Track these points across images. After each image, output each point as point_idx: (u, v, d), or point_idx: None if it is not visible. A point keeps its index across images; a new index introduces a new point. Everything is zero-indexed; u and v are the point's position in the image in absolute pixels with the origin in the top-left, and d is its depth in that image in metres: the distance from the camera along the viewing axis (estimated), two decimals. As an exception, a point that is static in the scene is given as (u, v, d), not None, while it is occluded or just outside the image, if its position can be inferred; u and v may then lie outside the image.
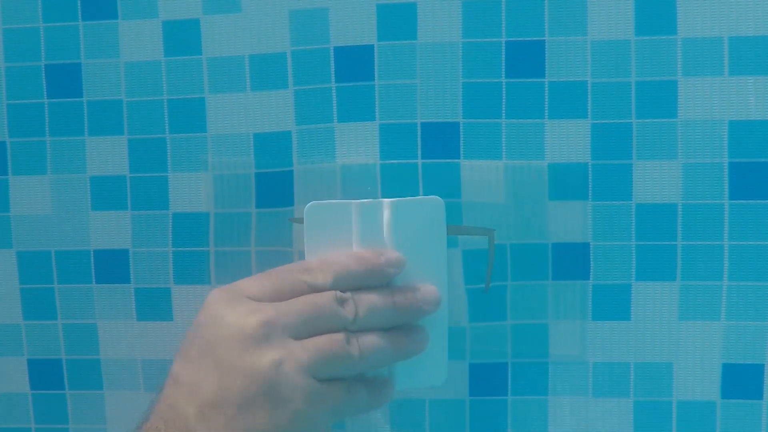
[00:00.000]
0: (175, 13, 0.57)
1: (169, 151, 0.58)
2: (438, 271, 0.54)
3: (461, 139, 0.56)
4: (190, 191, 0.58)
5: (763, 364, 0.55)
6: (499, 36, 0.55)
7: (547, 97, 0.55)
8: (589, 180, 0.55)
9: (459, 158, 0.56)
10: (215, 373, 0.48)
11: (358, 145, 0.56)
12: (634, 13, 0.54)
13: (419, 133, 0.56)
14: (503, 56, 0.55)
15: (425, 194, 0.56)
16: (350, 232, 0.53)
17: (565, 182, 0.55)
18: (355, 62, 0.56)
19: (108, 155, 0.58)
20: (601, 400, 0.57)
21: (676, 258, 0.55)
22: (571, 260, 0.56)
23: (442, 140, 0.56)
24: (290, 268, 0.52)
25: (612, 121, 0.55)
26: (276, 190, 0.58)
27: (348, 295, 0.51)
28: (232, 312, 0.49)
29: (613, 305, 0.56)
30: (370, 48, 0.56)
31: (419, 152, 0.56)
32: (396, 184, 0.56)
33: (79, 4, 0.57)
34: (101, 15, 0.57)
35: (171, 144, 0.58)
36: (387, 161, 0.56)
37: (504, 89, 0.55)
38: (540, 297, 0.56)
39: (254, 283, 0.51)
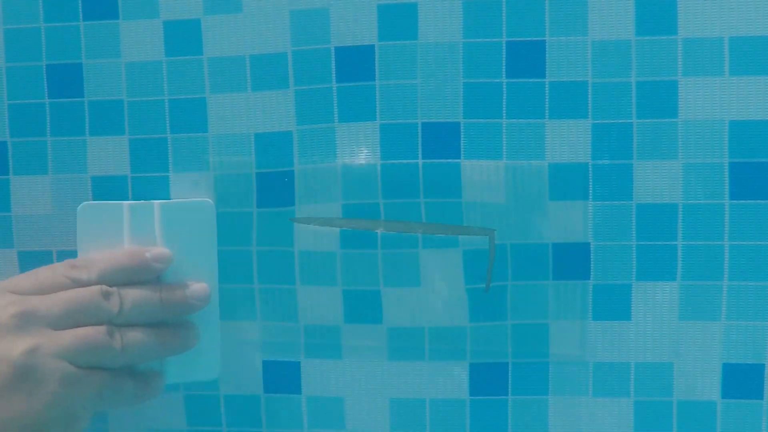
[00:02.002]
0: (176, 13, 0.57)
1: (170, 151, 0.58)
2: (209, 271, 0.56)
3: (462, 139, 0.56)
4: (191, 191, 0.58)
5: (764, 364, 0.55)
6: (499, 36, 0.55)
7: (547, 97, 0.55)
8: (590, 180, 0.55)
9: (459, 158, 0.56)
10: None
11: (358, 145, 0.56)
12: (634, 13, 0.54)
13: (420, 133, 0.56)
14: (504, 56, 0.55)
15: (426, 195, 0.56)
16: (122, 232, 0.56)
17: (566, 182, 0.55)
18: (355, 62, 0.56)
19: (109, 155, 0.59)
20: (601, 400, 0.57)
21: (677, 258, 0.55)
22: (571, 260, 0.56)
23: (442, 140, 0.56)
24: (55, 266, 0.54)
25: (612, 121, 0.55)
26: (276, 190, 0.58)
27: (114, 289, 0.53)
28: None
29: (613, 305, 0.56)
30: (370, 48, 0.56)
31: (420, 152, 0.56)
32: (396, 184, 0.56)
33: (79, 4, 0.58)
34: (102, 15, 0.58)
35: (172, 144, 0.58)
36: (387, 161, 0.56)
37: (504, 89, 0.55)
38: (540, 297, 0.56)
39: (18, 279, 0.53)
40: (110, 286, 0.53)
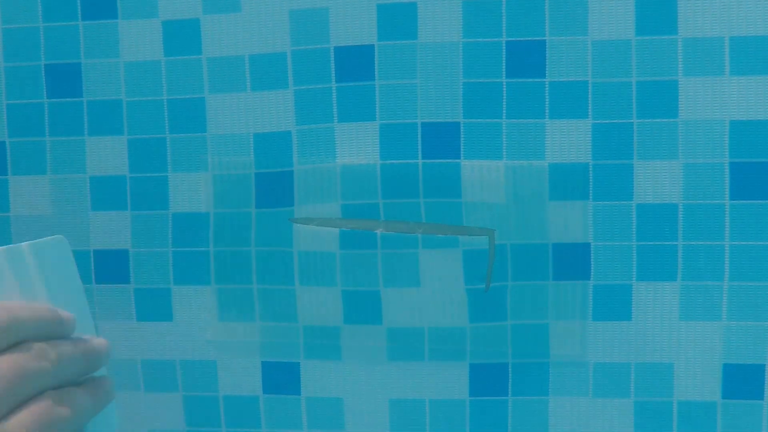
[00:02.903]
0: (175, 12, 0.57)
1: (169, 151, 0.58)
2: (85, 313, 0.51)
3: (462, 139, 0.56)
4: (190, 191, 0.58)
5: (764, 365, 0.55)
6: (499, 36, 0.55)
7: (547, 97, 0.55)
8: (590, 180, 0.55)
9: (459, 158, 0.56)
10: None
11: (358, 145, 0.56)
12: (634, 13, 0.54)
13: (420, 133, 0.56)
14: (504, 56, 0.55)
15: (426, 195, 0.56)
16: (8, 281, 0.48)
17: (566, 182, 0.55)
18: (355, 62, 0.56)
19: (108, 155, 0.58)
20: (601, 400, 0.57)
21: (677, 258, 0.55)
22: (571, 260, 0.56)
23: (442, 140, 0.56)
24: None
25: (613, 121, 0.55)
26: (276, 190, 0.58)
27: (44, 345, 0.45)
28: None
29: (613, 305, 0.56)
30: (370, 48, 0.56)
31: (419, 152, 0.56)
32: (396, 184, 0.56)
33: (79, 4, 0.57)
34: (101, 15, 0.57)
35: (171, 144, 0.58)
36: (387, 161, 0.56)
37: (504, 89, 0.55)
38: (540, 297, 0.56)
39: None
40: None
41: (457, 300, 0.57)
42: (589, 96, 0.55)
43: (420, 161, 0.56)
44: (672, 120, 0.54)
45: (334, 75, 0.56)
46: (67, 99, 0.58)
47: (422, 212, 0.56)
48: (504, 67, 0.55)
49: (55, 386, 0.46)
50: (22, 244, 0.48)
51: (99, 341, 0.50)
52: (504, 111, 0.55)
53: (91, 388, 0.49)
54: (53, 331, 0.47)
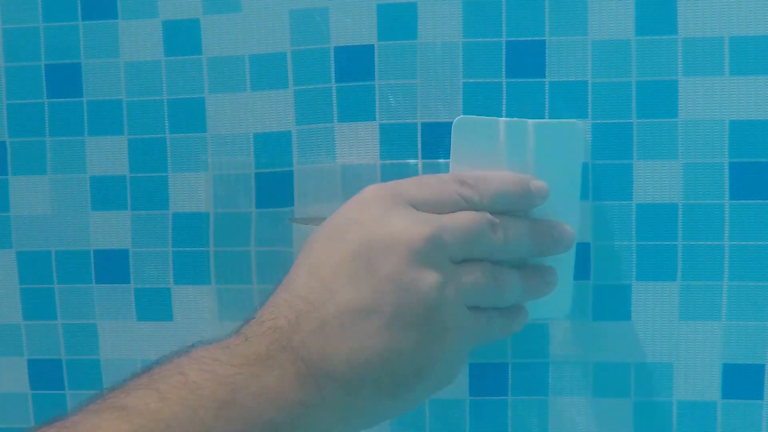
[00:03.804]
0: (175, 13, 0.57)
1: (169, 151, 0.58)
2: (572, 202, 0.54)
3: (461, 139, 0.56)
4: (190, 191, 0.58)
5: (764, 364, 0.55)
6: (499, 36, 0.55)
7: (547, 97, 0.55)
8: (590, 180, 0.55)
9: (459, 158, 0.56)
10: (369, 279, 0.45)
11: (358, 145, 0.56)
12: (634, 13, 0.54)
13: (419, 133, 0.56)
14: (503, 56, 0.55)
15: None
16: (497, 151, 0.52)
17: (566, 182, 0.55)
18: (355, 62, 0.56)
19: (108, 155, 0.58)
20: (601, 400, 0.57)
21: (677, 258, 0.55)
22: (571, 260, 0.56)
23: (442, 140, 0.56)
24: (443, 177, 0.51)
25: (612, 121, 0.55)
26: (276, 190, 0.58)
27: (497, 220, 0.49)
28: (397, 218, 0.47)
29: (613, 305, 0.56)
30: (370, 48, 0.56)
31: (419, 152, 0.56)
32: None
33: (79, 4, 0.57)
34: (101, 15, 0.57)
35: (171, 144, 0.58)
36: (387, 161, 0.56)
37: (504, 89, 0.55)
38: (540, 297, 0.56)
39: (414, 188, 0.49)
40: (493, 213, 0.49)
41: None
42: (589, 96, 0.55)
43: (420, 161, 0.56)
44: (672, 120, 0.54)
45: (334, 75, 0.56)
46: (67, 99, 0.58)
47: (422, 212, 0.56)
48: (504, 67, 0.55)
49: (499, 260, 0.50)
50: (542, 120, 0.53)
51: (562, 230, 0.52)
52: (504, 111, 0.55)
53: (529, 277, 0.52)
54: (514, 206, 0.51)
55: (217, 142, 0.58)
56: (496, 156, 0.52)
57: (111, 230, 0.59)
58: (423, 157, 0.56)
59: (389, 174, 0.56)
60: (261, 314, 0.46)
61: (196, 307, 0.59)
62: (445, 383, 0.49)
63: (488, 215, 0.49)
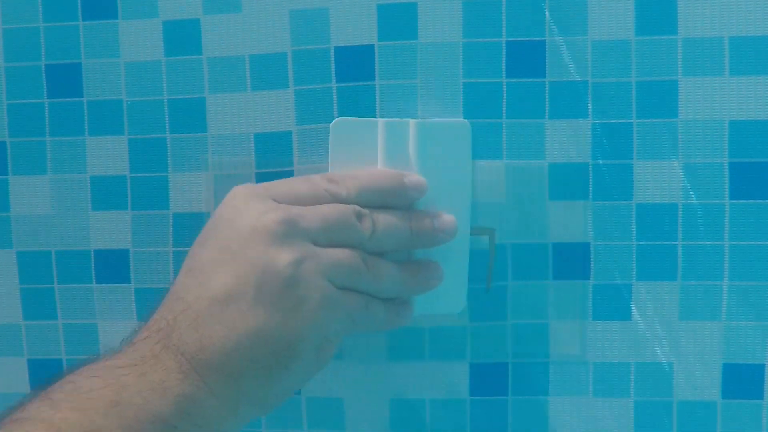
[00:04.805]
0: (176, 13, 0.57)
1: (170, 151, 0.58)
2: (461, 198, 0.55)
3: (462, 139, 0.56)
4: (191, 191, 0.58)
5: (764, 364, 0.55)
6: (499, 36, 0.55)
7: (547, 97, 0.55)
8: (590, 180, 0.55)
9: (459, 158, 0.56)
10: (232, 266, 0.48)
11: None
12: (634, 13, 0.54)
13: (420, 133, 0.56)
14: (503, 56, 0.55)
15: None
16: (375, 150, 0.53)
17: (566, 182, 0.55)
18: (355, 62, 0.56)
19: (108, 155, 0.58)
20: (601, 400, 0.57)
21: (677, 258, 0.55)
22: (571, 260, 0.56)
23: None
24: (312, 178, 0.52)
25: (612, 121, 0.55)
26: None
27: (367, 211, 0.51)
28: (252, 207, 0.49)
29: (613, 305, 0.56)
30: (370, 48, 0.56)
31: (420, 152, 0.56)
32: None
33: (79, 4, 0.57)
34: (101, 15, 0.57)
35: (171, 144, 0.58)
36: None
37: (504, 89, 0.55)
38: (540, 297, 0.56)
39: (278, 186, 0.51)
40: (364, 207, 0.51)
41: (457, 300, 0.57)
42: (589, 96, 0.55)
43: (420, 161, 0.56)
44: (672, 120, 0.54)
45: (334, 75, 0.56)
46: (68, 99, 0.58)
47: (422, 212, 0.56)
48: (504, 67, 0.55)
49: (373, 251, 0.51)
50: (425, 120, 0.54)
51: (441, 220, 0.53)
52: (504, 111, 0.55)
53: (410, 270, 0.53)
54: (388, 200, 0.52)
55: (217, 142, 0.58)
56: (373, 157, 0.53)
57: (111, 230, 0.59)
58: (423, 157, 0.56)
59: (389, 174, 0.56)
60: (148, 321, 0.49)
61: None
62: (322, 362, 0.50)
63: (355, 207, 0.51)
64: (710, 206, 0.55)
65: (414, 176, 0.53)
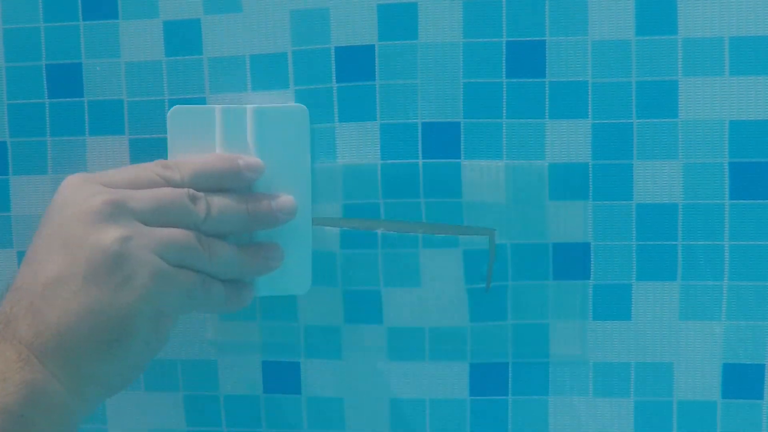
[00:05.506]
0: (176, 13, 0.57)
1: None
2: (301, 181, 0.56)
3: (462, 139, 0.56)
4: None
5: (764, 364, 0.55)
6: (499, 36, 0.55)
7: (547, 97, 0.55)
8: (590, 180, 0.55)
9: (459, 158, 0.56)
10: (62, 250, 0.49)
11: (358, 145, 0.56)
12: (634, 13, 0.54)
13: (420, 132, 0.56)
14: (504, 56, 0.55)
15: (426, 195, 0.56)
16: (213, 137, 0.55)
17: (566, 182, 0.55)
18: (355, 62, 0.56)
19: (109, 155, 0.58)
20: (601, 400, 0.57)
21: (677, 258, 0.55)
22: (571, 260, 0.56)
23: (442, 140, 0.56)
24: (147, 165, 0.53)
25: (612, 121, 0.55)
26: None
27: (201, 194, 0.52)
28: (80, 193, 0.50)
29: (613, 305, 0.56)
30: (370, 48, 0.56)
31: (420, 152, 0.56)
32: (397, 184, 0.56)
33: (79, 4, 0.57)
34: (102, 15, 0.57)
35: (171, 144, 0.58)
36: (388, 161, 0.56)
37: (504, 89, 0.55)
38: (540, 297, 0.56)
39: (110, 173, 0.52)
40: (199, 191, 0.52)
41: (457, 300, 0.57)
42: (589, 96, 0.55)
43: (420, 161, 0.56)
44: (672, 120, 0.54)
45: (334, 75, 0.56)
46: (68, 99, 0.58)
47: (423, 212, 0.56)
48: (504, 67, 0.55)
49: (211, 233, 0.51)
50: (263, 105, 0.56)
51: (279, 201, 0.54)
52: (504, 111, 0.55)
53: (248, 252, 0.54)
54: (224, 182, 0.53)
55: (217, 142, 0.58)
56: (211, 143, 0.54)
57: (111, 230, 0.59)
58: (423, 157, 0.56)
59: (390, 174, 0.56)
60: None
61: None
62: (162, 337, 0.51)
63: (189, 190, 0.51)
64: (710, 206, 0.55)
65: (249, 158, 0.54)
